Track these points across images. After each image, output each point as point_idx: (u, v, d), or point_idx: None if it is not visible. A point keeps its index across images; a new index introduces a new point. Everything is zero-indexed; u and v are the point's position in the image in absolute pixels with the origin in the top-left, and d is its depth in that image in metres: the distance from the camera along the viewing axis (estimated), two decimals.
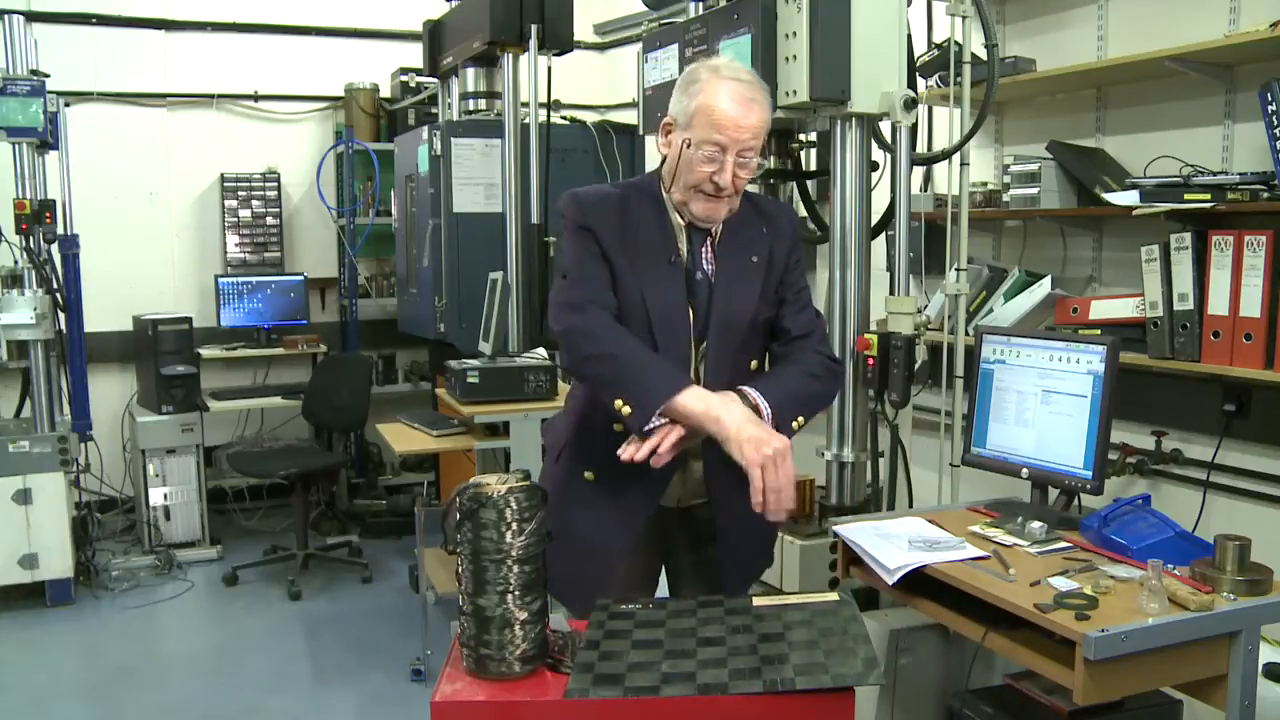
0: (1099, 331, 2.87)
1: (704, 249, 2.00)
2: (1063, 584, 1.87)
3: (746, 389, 1.91)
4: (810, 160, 3.58)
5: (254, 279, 5.76)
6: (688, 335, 1.98)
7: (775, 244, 2.05)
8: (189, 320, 5.23)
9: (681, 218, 1.99)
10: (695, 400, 1.81)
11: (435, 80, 5.26)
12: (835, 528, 2.27)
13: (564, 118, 5.17)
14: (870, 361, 2.66)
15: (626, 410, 1.82)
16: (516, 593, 1.60)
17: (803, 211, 3.56)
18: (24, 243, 4.49)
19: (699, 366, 1.99)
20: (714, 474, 2.03)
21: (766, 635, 1.70)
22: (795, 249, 2.10)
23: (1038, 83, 3.28)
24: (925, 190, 3.59)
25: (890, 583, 2.01)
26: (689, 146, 1.89)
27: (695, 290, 1.99)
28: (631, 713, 1.55)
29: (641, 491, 2.00)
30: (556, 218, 2.26)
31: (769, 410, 1.89)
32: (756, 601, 1.84)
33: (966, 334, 2.96)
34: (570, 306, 1.92)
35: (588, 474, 2.02)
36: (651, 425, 1.82)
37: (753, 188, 2.84)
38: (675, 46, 2.96)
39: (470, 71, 4.83)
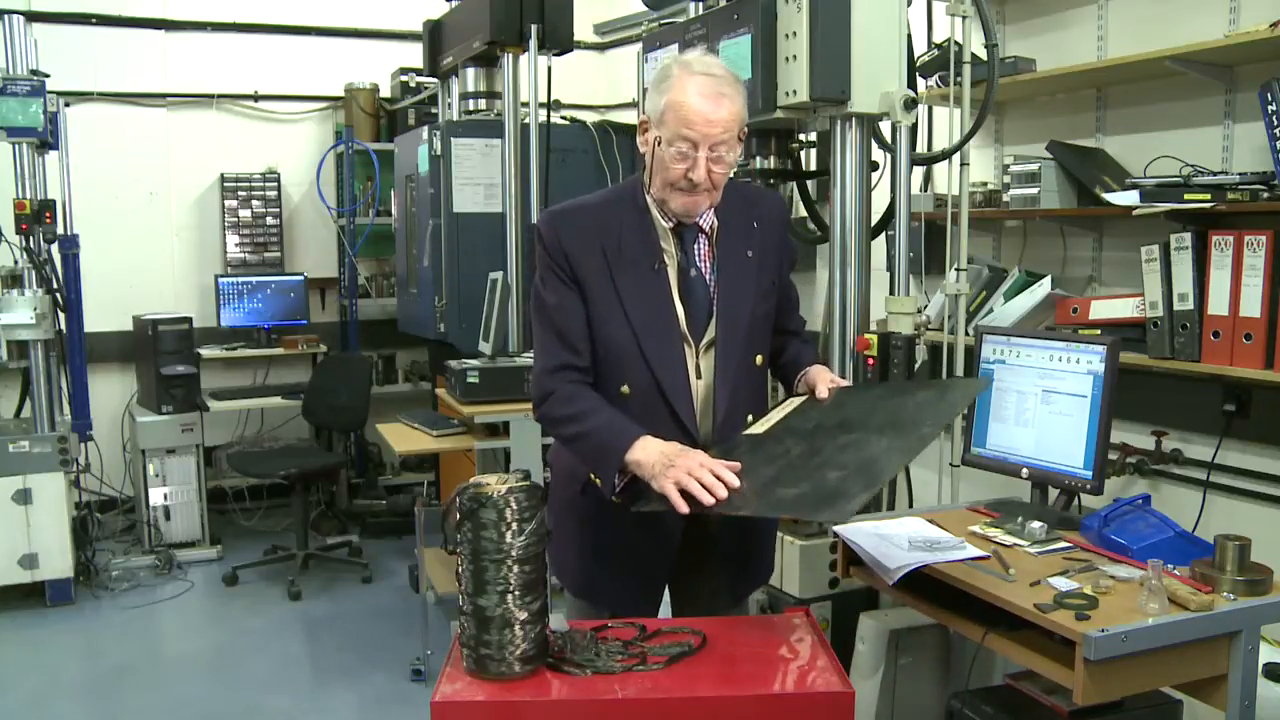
0: (1099, 331, 2.87)
1: (697, 246, 2.00)
2: (1063, 584, 1.87)
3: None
4: (810, 160, 3.58)
5: (254, 279, 5.76)
6: (679, 337, 1.98)
7: (766, 236, 2.07)
8: (189, 320, 5.22)
9: (666, 220, 1.98)
10: (639, 452, 1.85)
11: (435, 80, 5.26)
12: (835, 528, 2.27)
13: (564, 118, 5.17)
14: (870, 361, 2.66)
15: (598, 481, 1.94)
16: (516, 593, 1.61)
17: (802, 211, 3.56)
18: (24, 243, 4.49)
19: (700, 364, 1.99)
20: None
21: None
22: (785, 239, 2.13)
23: (1038, 83, 3.28)
24: (925, 190, 3.59)
25: (890, 583, 2.01)
26: (661, 144, 1.90)
27: (691, 290, 1.99)
28: (632, 712, 1.55)
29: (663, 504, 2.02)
30: None
31: None
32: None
33: (966, 334, 2.96)
34: (539, 386, 2.00)
35: (614, 496, 2.01)
36: (618, 486, 1.91)
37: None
38: (675, 46, 2.96)
39: (470, 71, 4.83)
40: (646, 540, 2.00)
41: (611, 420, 1.91)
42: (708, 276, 2.00)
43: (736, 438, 1.95)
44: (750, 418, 2.03)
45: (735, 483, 1.76)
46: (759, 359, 2.06)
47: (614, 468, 1.87)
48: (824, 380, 2.04)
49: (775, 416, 1.99)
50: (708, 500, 1.74)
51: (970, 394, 2.21)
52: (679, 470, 1.77)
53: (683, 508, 1.75)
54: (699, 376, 1.99)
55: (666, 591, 2.16)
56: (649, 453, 1.83)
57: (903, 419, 1.86)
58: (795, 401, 2.05)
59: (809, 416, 1.96)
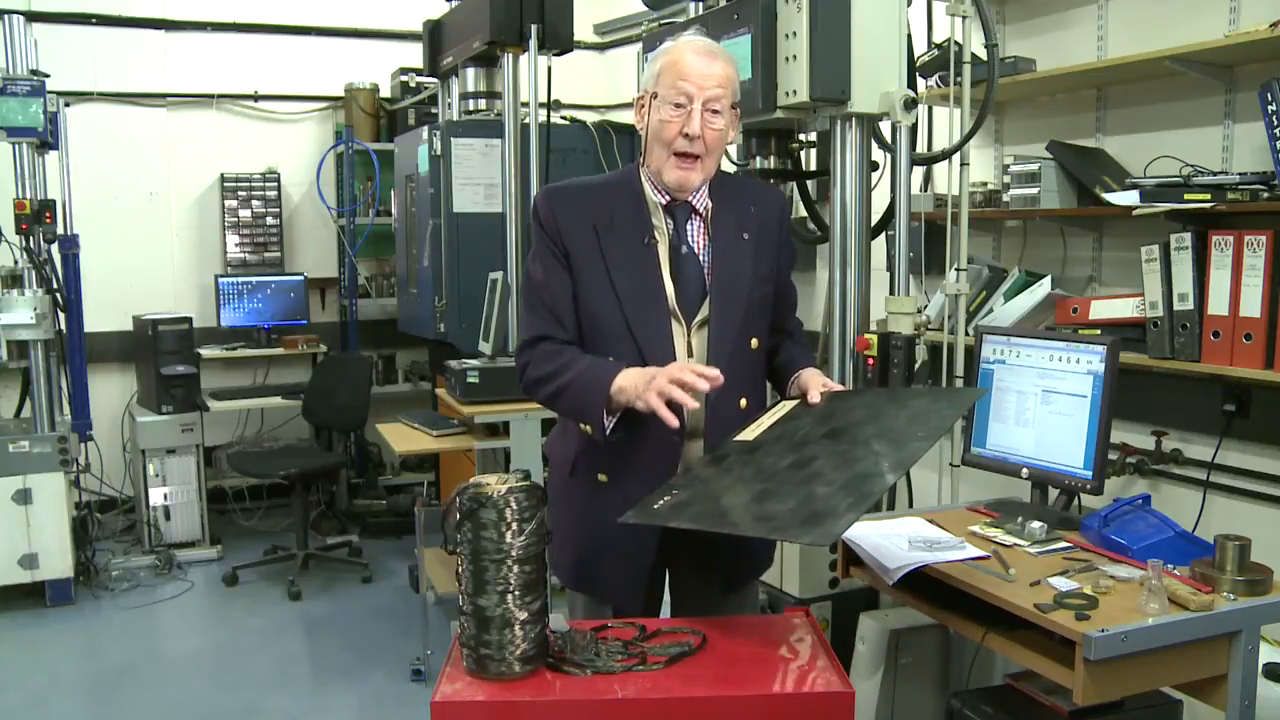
0: (1099, 331, 2.87)
1: (691, 225, 2.01)
2: (1063, 584, 1.87)
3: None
4: (810, 160, 3.58)
5: (254, 279, 5.76)
6: (667, 312, 1.98)
7: (764, 224, 2.08)
8: (189, 320, 5.23)
9: (659, 196, 2.00)
10: (622, 379, 1.88)
11: (435, 80, 5.26)
12: None
13: (564, 118, 5.17)
14: (870, 361, 2.66)
15: (589, 429, 1.94)
16: (516, 593, 1.61)
17: (802, 211, 3.56)
18: (24, 243, 4.50)
19: (691, 342, 2.00)
20: None
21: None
22: (784, 233, 2.14)
23: (1038, 83, 3.28)
24: (925, 190, 3.59)
25: (890, 583, 2.01)
26: (657, 102, 1.94)
27: (682, 266, 1.99)
28: (632, 712, 1.55)
29: (651, 484, 2.01)
30: None
31: None
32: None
33: (966, 334, 2.96)
34: (519, 359, 2.03)
35: (601, 477, 2.03)
36: (609, 426, 1.91)
37: None
38: None
39: (470, 71, 4.82)
40: (631, 525, 2.00)
41: (592, 364, 1.94)
42: (701, 256, 2.01)
43: (727, 443, 1.94)
44: (744, 402, 2.03)
45: (718, 376, 1.82)
46: (754, 342, 2.06)
47: (600, 403, 1.88)
48: (816, 385, 2.04)
49: (766, 421, 1.98)
50: (692, 404, 1.79)
51: (964, 404, 2.20)
52: (660, 381, 1.80)
53: (671, 420, 1.80)
54: (690, 355, 1.99)
55: (669, 593, 2.16)
56: (630, 377, 1.86)
57: (894, 430, 1.84)
58: (787, 405, 2.04)
59: (800, 423, 1.95)
